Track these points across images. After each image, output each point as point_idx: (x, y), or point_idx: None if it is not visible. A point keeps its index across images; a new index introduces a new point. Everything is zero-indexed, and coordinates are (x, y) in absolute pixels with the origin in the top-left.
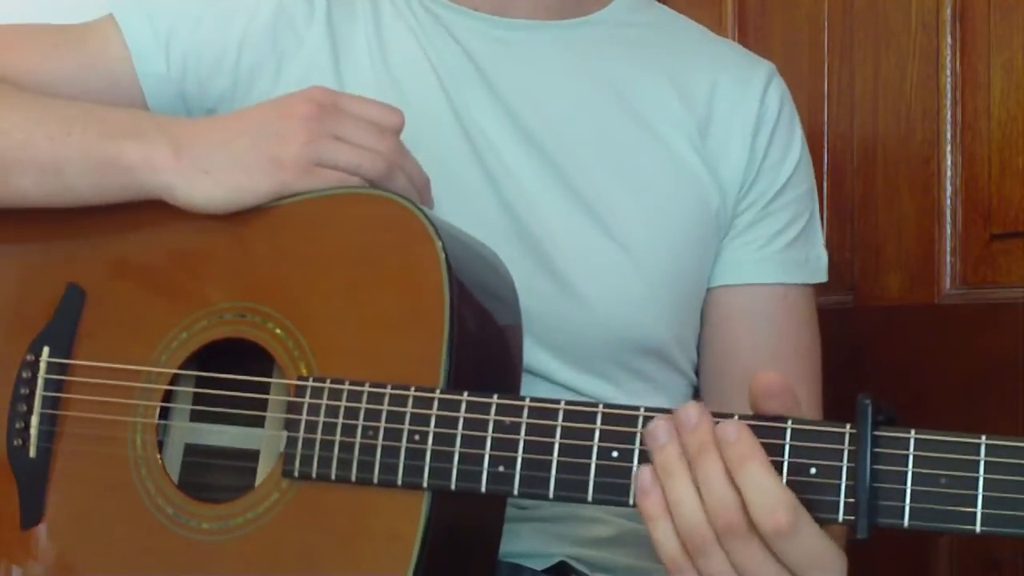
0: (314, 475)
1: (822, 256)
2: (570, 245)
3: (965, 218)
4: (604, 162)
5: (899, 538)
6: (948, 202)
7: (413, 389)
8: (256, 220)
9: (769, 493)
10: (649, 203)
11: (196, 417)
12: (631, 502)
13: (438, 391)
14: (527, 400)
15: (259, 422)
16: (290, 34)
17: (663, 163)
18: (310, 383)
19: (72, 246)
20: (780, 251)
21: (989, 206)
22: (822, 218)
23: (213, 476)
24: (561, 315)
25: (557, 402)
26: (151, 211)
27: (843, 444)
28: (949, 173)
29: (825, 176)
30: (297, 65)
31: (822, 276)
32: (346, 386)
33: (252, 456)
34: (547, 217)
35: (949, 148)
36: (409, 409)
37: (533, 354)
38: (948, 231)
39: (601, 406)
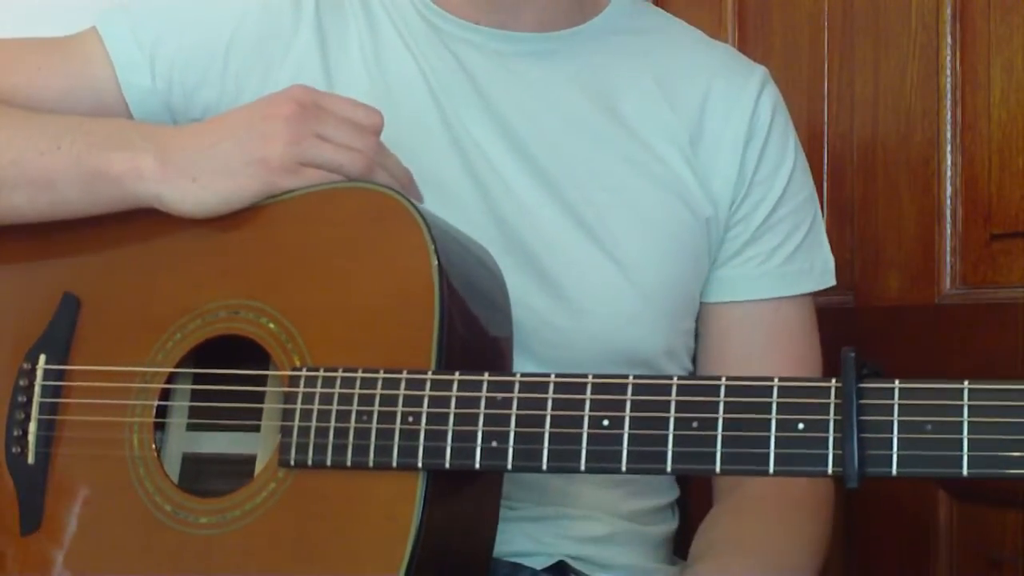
0: (310, 462)
1: (829, 260)
2: (564, 258)
3: (965, 218)
4: (597, 175)
5: (899, 536)
6: (948, 202)
7: (405, 372)
8: (247, 218)
9: None
10: (641, 216)
11: (193, 414)
12: (623, 468)
13: (430, 372)
14: (518, 376)
15: (255, 426)
16: (276, 40)
17: (655, 175)
18: (304, 373)
19: (66, 255)
20: (781, 264)
21: (989, 206)
22: (822, 218)
23: (211, 484)
24: (555, 328)
25: (547, 375)
26: (142, 217)
27: (829, 398)
28: (949, 173)
29: (825, 176)
30: (285, 71)
31: (830, 280)
32: (339, 373)
33: (249, 461)
34: (540, 230)
35: (949, 148)
36: (402, 392)
37: (523, 366)
38: (948, 231)
39: (591, 376)
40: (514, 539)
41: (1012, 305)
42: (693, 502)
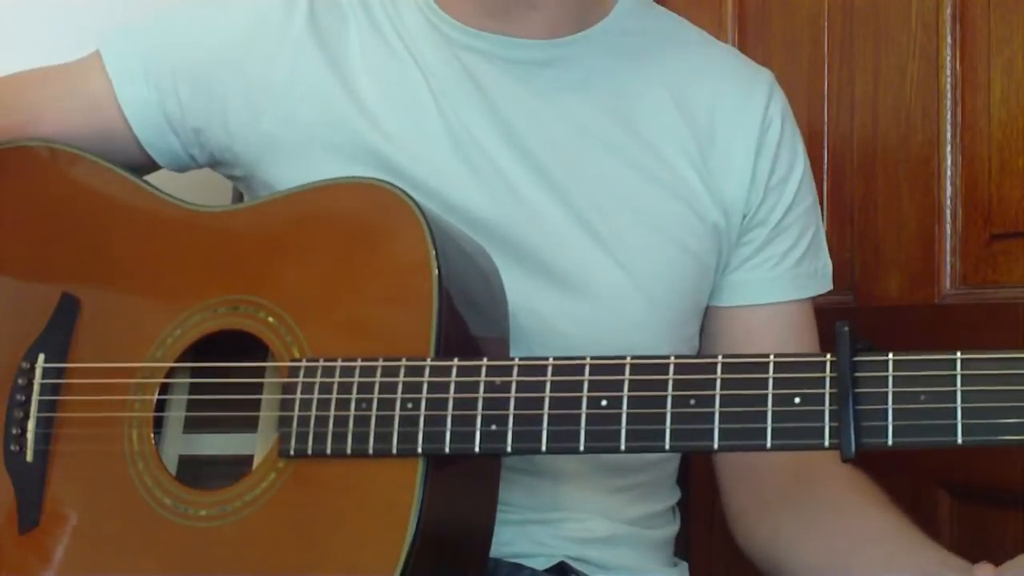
0: (310, 451)
1: (828, 264)
2: (570, 264)
3: (965, 218)
4: (605, 181)
5: None
6: (948, 202)
7: (404, 359)
8: (245, 213)
9: None
10: (649, 222)
11: (192, 408)
12: (622, 447)
13: (429, 359)
14: (516, 360)
15: (252, 427)
16: (267, 44)
17: (663, 182)
18: (303, 364)
19: (64, 256)
20: (792, 267)
21: (989, 206)
22: (822, 218)
23: (208, 486)
24: (560, 333)
25: (545, 359)
26: (140, 216)
27: (824, 372)
28: (949, 173)
29: (825, 176)
30: (279, 72)
31: (829, 285)
32: (338, 363)
33: (246, 463)
34: (548, 236)
35: (949, 148)
36: (401, 379)
37: None
38: (948, 231)
39: (588, 358)
40: (514, 540)
41: (1012, 305)
42: (694, 504)
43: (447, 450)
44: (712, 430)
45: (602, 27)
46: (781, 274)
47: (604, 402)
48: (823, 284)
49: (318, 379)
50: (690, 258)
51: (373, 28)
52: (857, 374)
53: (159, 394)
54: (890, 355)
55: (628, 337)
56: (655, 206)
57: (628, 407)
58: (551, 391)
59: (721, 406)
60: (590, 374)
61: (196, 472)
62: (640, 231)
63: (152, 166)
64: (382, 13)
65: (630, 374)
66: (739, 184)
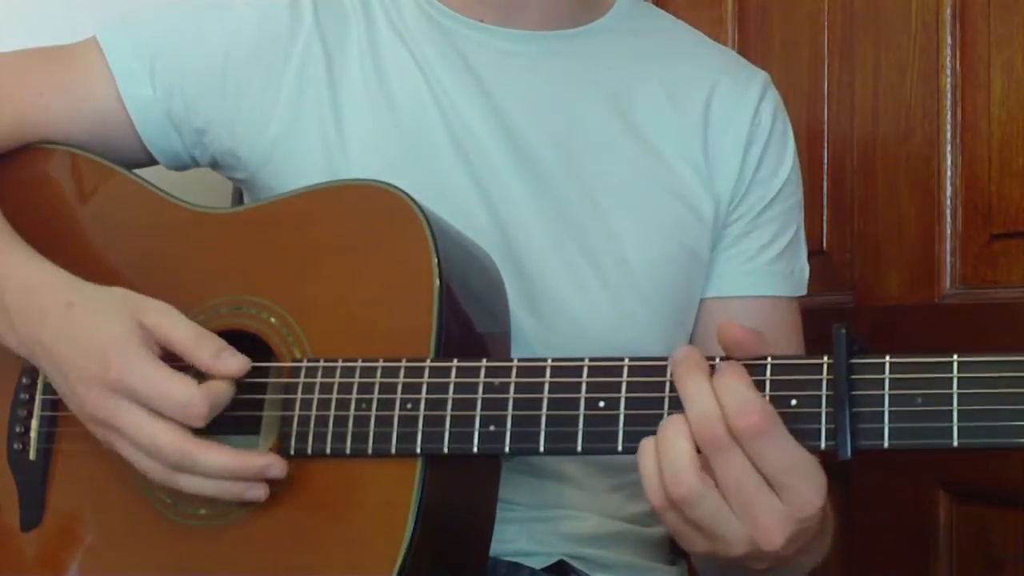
0: (310, 451)
1: (805, 269)
2: (561, 263)
3: (965, 218)
4: (600, 176)
5: (899, 536)
6: (948, 202)
7: (404, 360)
8: (249, 215)
9: (740, 396)
10: (644, 218)
11: None
12: (620, 448)
13: (429, 360)
14: (515, 361)
15: (255, 428)
16: (276, 46)
17: (660, 179)
18: (304, 364)
19: (69, 257)
20: (767, 263)
21: (989, 206)
22: (822, 218)
23: None
24: (554, 330)
25: (544, 360)
26: (144, 217)
27: (821, 374)
28: (949, 173)
29: (825, 176)
30: (289, 72)
31: (803, 290)
32: (339, 363)
33: None
34: (539, 236)
35: (949, 148)
36: (401, 379)
37: None
38: (948, 231)
39: (587, 360)
40: (516, 538)
41: (1012, 305)
42: None
43: (446, 450)
44: None
45: (600, 25)
46: (755, 268)
47: (602, 403)
48: (797, 288)
49: (318, 379)
50: (685, 253)
51: (369, 27)
52: (854, 376)
53: None
54: (887, 357)
55: (623, 333)
56: (650, 202)
57: (626, 408)
58: (549, 392)
59: None
60: (588, 375)
61: None
62: (635, 227)
63: (151, 163)
64: (379, 8)
65: (628, 376)
66: (728, 177)
